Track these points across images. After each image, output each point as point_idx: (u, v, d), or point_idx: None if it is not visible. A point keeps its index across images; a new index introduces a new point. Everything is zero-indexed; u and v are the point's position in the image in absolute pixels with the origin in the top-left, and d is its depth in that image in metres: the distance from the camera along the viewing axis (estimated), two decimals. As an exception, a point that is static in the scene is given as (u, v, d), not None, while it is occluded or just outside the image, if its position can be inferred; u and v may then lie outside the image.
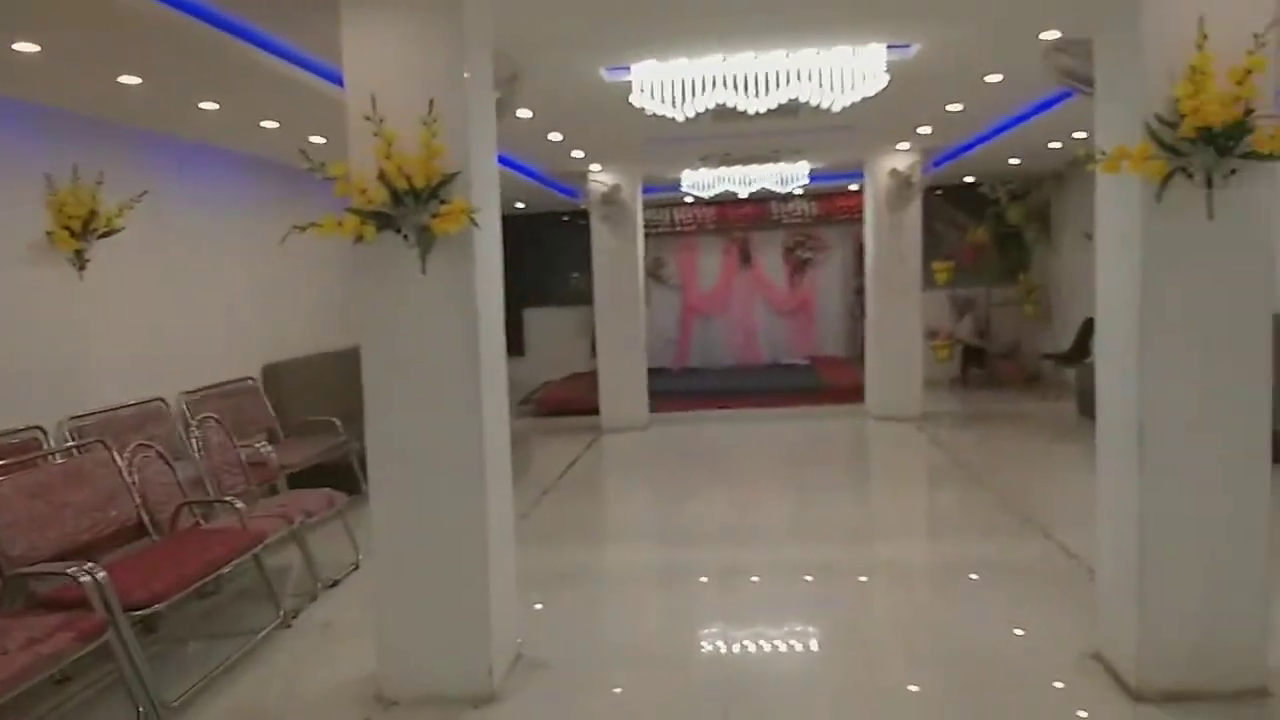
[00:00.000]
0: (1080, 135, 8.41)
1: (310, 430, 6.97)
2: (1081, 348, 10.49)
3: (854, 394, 10.88)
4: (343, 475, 6.59)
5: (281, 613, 4.66)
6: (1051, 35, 4.96)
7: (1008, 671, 3.85)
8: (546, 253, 13.77)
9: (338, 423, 6.85)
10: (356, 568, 5.45)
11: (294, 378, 7.47)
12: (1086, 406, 9.38)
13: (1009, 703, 3.59)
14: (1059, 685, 3.66)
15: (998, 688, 3.71)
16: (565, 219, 13.58)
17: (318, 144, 6.54)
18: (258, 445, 6.03)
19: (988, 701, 3.60)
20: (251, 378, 6.99)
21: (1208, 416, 3.38)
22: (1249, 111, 3.13)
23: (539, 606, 4.74)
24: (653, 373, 10.97)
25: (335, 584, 5.23)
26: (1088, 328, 10.40)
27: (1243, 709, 3.34)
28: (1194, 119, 3.15)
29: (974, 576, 5.03)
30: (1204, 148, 3.20)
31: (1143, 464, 3.41)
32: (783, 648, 4.24)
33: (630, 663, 4.12)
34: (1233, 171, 3.23)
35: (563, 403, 11.50)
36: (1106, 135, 3.58)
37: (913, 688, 3.77)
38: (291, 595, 5.02)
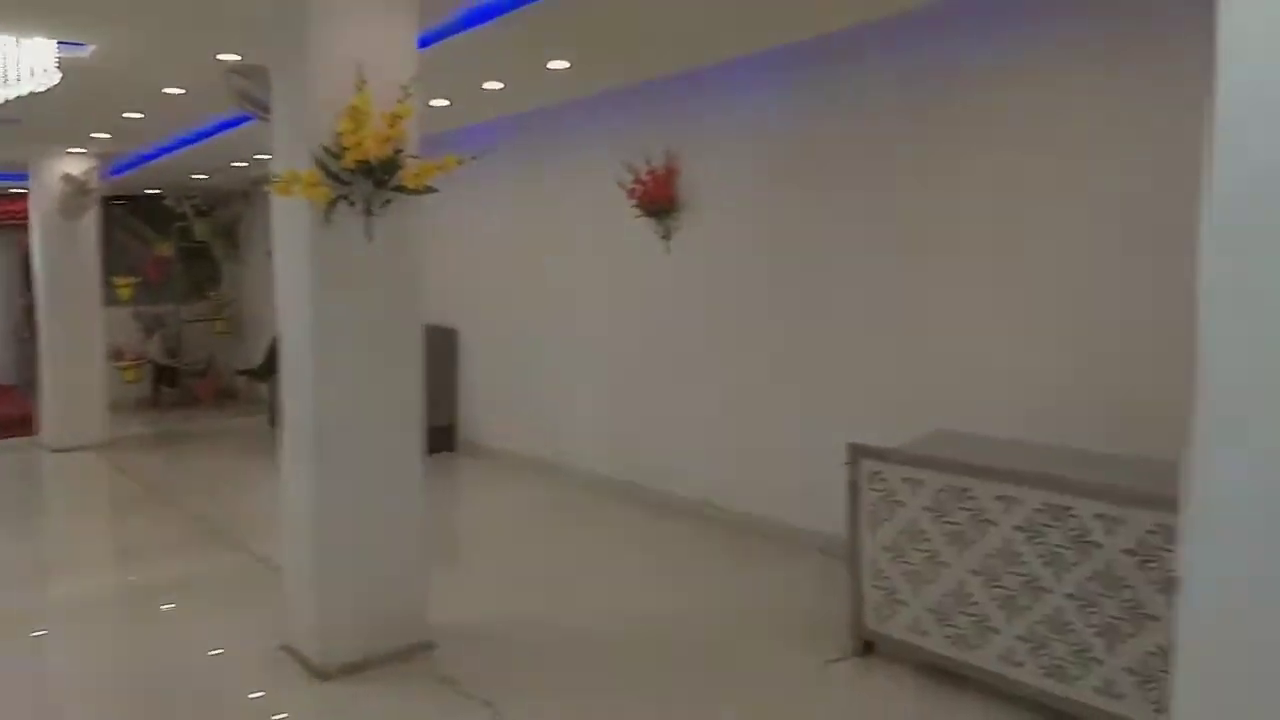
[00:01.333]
0: (263, 157, 8.74)
1: None
2: (272, 362, 10.86)
3: (26, 425, 9.64)
4: None
5: None
6: (231, 58, 5.09)
7: (207, 693, 3.81)
8: None
9: None
10: None
11: None
12: (278, 419, 9.76)
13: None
14: (257, 695, 3.73)
15: (198, 714, 3.67)
16: None
17: None
18: None
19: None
20: None
21: (374, 416, 3.87)
22: (399, 151, 3.66)
23: None
24: None
25: None
26: (277, 343, 10.82)
27: (413, 664, 3.88)
28: (354, 153, 3.57)
29: (169, 605, 4.85)
30: (363, 179, 3.65)
31: (320, 462, 3.75)
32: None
33: None
34: (388, 201, 3.74)
35: None
36: (281, 160, 3.83)
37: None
38: None
